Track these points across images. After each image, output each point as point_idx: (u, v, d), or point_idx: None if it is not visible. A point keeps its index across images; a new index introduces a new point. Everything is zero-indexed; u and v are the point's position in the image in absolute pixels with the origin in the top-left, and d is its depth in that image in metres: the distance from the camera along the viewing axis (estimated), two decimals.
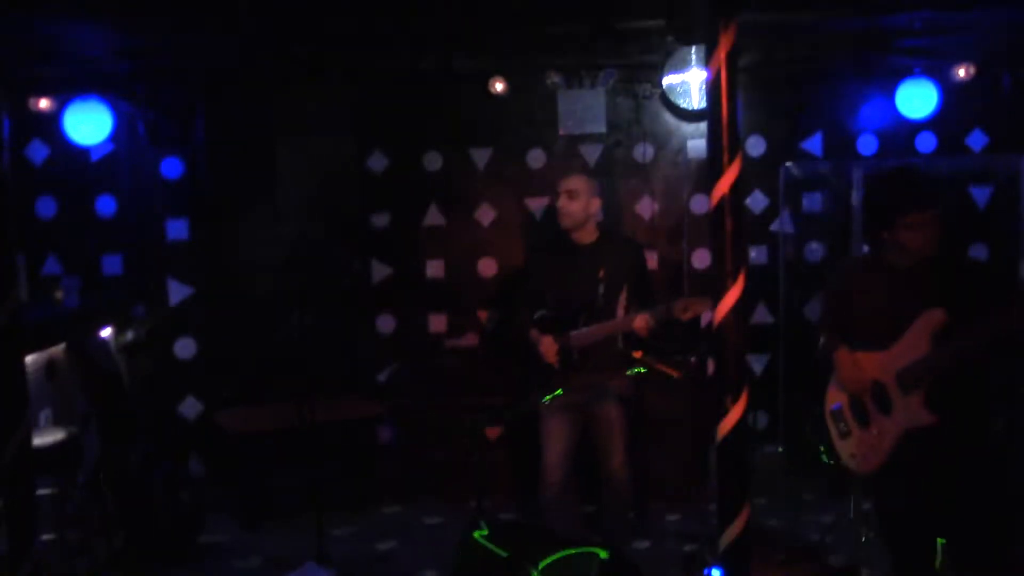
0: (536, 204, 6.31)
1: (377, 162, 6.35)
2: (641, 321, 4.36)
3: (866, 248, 5.00)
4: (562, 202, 4.64)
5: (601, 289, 4.50)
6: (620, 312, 4.56)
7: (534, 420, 4.75)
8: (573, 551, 3.69)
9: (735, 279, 2.41)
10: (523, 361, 4.76)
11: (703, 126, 6.02)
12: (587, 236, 4.69)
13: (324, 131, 6.21)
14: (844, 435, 3.70)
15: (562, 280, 4.68)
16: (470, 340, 6.30)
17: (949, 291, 3.41)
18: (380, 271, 6.39)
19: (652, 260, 6.35)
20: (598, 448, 4.69)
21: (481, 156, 6.37)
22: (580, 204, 4.63)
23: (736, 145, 2.41)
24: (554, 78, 6.23)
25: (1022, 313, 3.26)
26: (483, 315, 6.32)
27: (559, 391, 4.47)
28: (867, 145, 6.39)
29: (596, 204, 4.69)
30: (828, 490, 5.90)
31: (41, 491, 4.90)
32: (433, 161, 6.36)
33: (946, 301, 3.38)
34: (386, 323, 6.42)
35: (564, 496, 4.69)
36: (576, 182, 4.67)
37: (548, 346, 4.60)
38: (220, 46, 5.68)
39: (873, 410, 3.59)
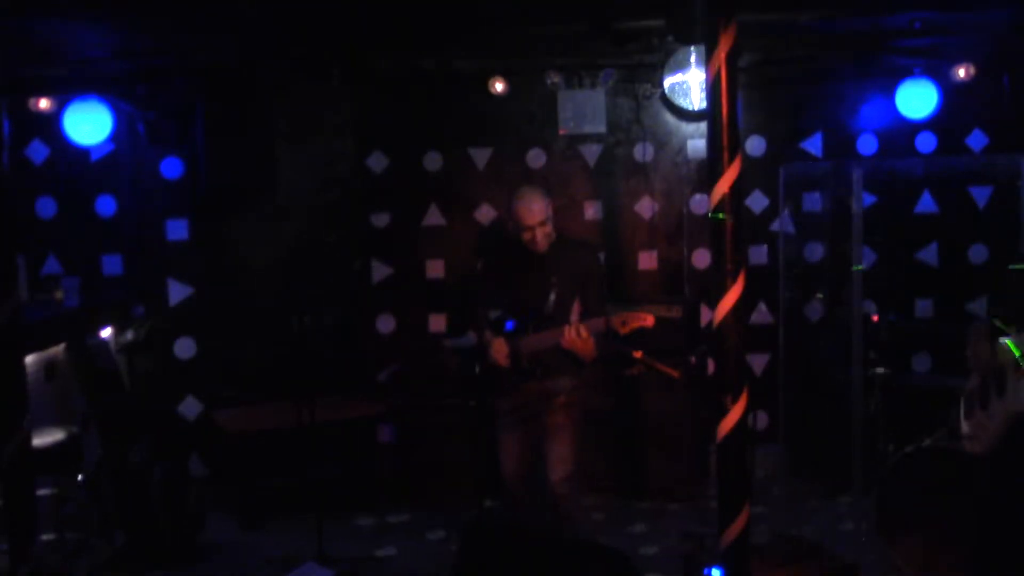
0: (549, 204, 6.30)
1: (377, 162, 6.35)
2: (578, 332, 4.29)
3: None
4: (538, 235, 4.50)
5: (552, 296, 4.48)
6: (574, 320, 4.50)
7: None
8: None
9: (735, 279, 2.41)
10: (479, 363, 4.68)
11: (703, 126, 6.02)
12: (545, 240, 4.59)
13: (324, 131, 6.21)
14: (967, 415, 3.71)
15: (514, 285, 4.63)
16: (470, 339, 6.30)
17: None
18: (380, 271, 6.39)
19: (652, 260, 6.36)
20: (543, 459, 4.63)
21: (481, 156, 6.37)
22: (549, 224, 4.54)
23: (736, 145, 2.41)
24: (554, 78, 6.23)
25: None
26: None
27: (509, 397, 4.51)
28: (867, 145, 6.38)
29: (551, 209, 4.59)
30: (828, 490, 5.91)
31: (41, 491, 4.92)
32: (433, 161, 6.36)
33: None
34: (386, 323, 6.42)
35: (530, 499, 4.76)
36: (539, 211, 4.49)
37: (499, 348, 4.53)
38: (220, 46, 5.68)
39: (993, 392, 3.58)
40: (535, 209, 4.50)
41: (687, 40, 5.79)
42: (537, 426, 4.61)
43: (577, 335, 4.31)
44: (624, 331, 4.30)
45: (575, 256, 4.62)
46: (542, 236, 4.52)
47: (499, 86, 6.11)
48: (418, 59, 6.03)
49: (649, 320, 4.30)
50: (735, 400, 2.45)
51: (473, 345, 4.70)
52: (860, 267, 5.35)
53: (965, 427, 3.72)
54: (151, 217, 6.31)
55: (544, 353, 4.49)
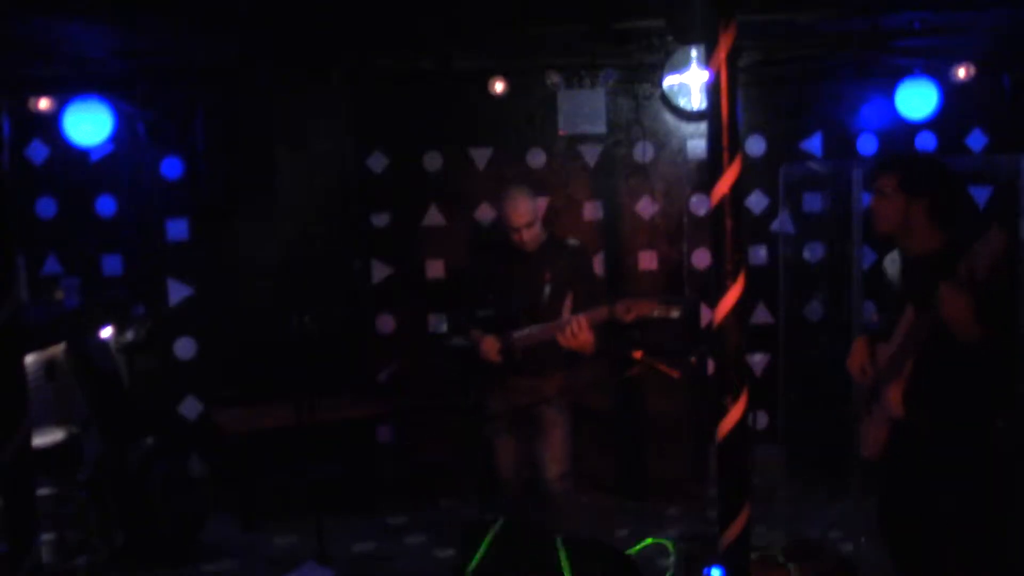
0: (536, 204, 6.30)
1: (377, 162, 6.35)
2: (577, 326, 4.28)
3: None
4: (525, 235, 4.55)
5: (547, 291, 4.50)
6: (567, 315, 4.50)
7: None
8: None
9: (735, 279, 2.41)
10: (468, 362, 4.72)
11: (703, 126, 6.02)
12: (533, 239, 4.63)
13: (324, 131, 6.21)
14: (859, 421, 3.78)
15: (506, 282, 4.64)
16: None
17: (932, 285, 3.33)
18: (380, 271, 6.39)
19: (652, 260, 6.36)
20: (537, 456, 4.65)
21: (481, 156, 6.37)
22: (537, 225, 4.59)
23: (736, 145, 2.41)
24: (554, 78, 6.23)
25: (951, 302, 3.20)
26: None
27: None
28: (867, 145, 6.38)
29: (540, 208, 4.69)
30: (828, 490, 5.91)
31: (41, 491, 4.91)
32: (433, 161, 6.36)
33: (929, 298, 3.33)
34: (386, 323, 6.42)
35: (527, 499, 4.78)
36: (525, 212, 4.54)
37: (490, 345, 4.55)
38: (220, 46, 5.68)
39: (873, 399, 3.66)
40: (521, 210, 4.54)
41: (687, 40, 5.79)
42: (529, 425, 4.62)
43: (577, 328, 4.29)
44: (628, 318, 4.28)
45: (565, 255, 4.65)
46: (529, 237, 4.56)
47: (499, 86, 6.11)
48: (418, 59, 6.03)
49: (654, 308, 4.28)
50: (735, 400, 2.44)
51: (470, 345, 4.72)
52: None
53: (861, 432, 3.79)
54: (151, 217, 6.31)
55: (538, 347, 4.49)
